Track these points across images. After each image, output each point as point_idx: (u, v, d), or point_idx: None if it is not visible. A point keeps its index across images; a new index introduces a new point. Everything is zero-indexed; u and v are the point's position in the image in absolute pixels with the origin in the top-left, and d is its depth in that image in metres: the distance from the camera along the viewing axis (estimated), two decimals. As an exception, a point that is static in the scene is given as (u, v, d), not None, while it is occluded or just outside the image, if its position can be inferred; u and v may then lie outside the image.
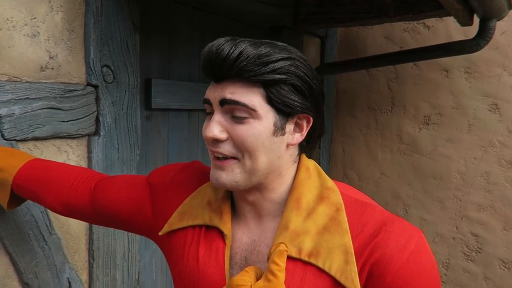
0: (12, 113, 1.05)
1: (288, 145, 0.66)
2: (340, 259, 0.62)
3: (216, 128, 0.63)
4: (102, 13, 1.25)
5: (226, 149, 0.64)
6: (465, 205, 2.26)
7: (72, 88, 1.20)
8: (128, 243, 1.43)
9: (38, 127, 1.11)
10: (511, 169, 2.13)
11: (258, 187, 0.68)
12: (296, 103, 0.63)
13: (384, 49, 2.44)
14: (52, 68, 1.16)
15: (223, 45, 0.60)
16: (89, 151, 1.28)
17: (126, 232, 1.41)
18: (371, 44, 2.53)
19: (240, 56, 0.59)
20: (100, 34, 1.25)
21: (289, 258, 0.63)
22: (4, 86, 1.03)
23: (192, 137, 1.79)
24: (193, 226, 0.74)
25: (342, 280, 0.61)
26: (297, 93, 0.63)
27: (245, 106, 0.61)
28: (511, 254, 2.14)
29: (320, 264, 0.62)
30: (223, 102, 0.62)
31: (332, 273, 0.61)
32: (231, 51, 0.59)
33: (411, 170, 2.43)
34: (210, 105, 0.65)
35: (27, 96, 1.08)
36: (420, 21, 2.33)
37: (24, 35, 1.08)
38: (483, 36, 1.79)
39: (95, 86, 1.26)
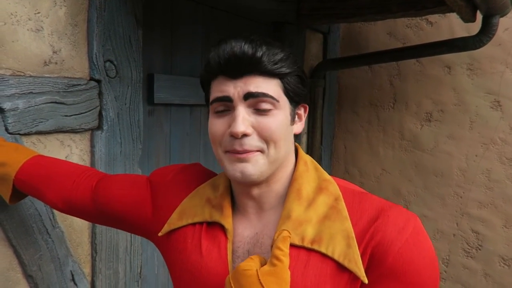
0: (16, 107, 1.06)
1: (293, 134, 0.72)
2: (342, 244, 0.64)
3: (243, 123, 0.64)
4: (105, 7, 1.25)
5: (252, 144, 0.65)
6: (466, 202, 2.27)
7: (75, 83, 1.20)
8: (131, 237, 1.44)
9: (41, 121, 1.12)
10: (512, 166, 2.14)
11: (267, 179, 0.70)
12: (303, 92, 0.70)
13: (386, 45, 2.43)
14: (56, 63, 1.16)
15: (245, 43, 0.64)
16: (92, 146, 1.29)
17: (128, 226, 1.42)
18: (374, 40, 2.53)
19: (264, 54, 0.64)
20: (103, 29, 1.25)
21: (293, 246, 0.65)
22: (8, 80, 1.04)
23: (194, 132, 1.80)
24: (193, 224, 0.75)
25: (346, 263, 0.63)
26: (302, 83, 0.70)
27: (271, 98, 0.65)
28: (511, 251, 2.14)
29: (323, 250, 0.64)
30: (248, 96, 0.64)
31: (336, 257, 0.63)
32: (256, 48, 0.64)
33: (412, 167, 2.44)
34: (228, 101, 0.66)
35: (30, 91, 1.09)
36: (423, 17, 2.32)
37: (28, 29, 1.09)
38: (486, 32, 1.78)
39: (98, 81, 1.27)
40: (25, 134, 1.10)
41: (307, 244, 0.65)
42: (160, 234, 0.77)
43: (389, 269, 0.62)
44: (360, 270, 0.62)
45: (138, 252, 1.48)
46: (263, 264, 0.63)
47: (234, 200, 0.75)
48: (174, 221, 0.76)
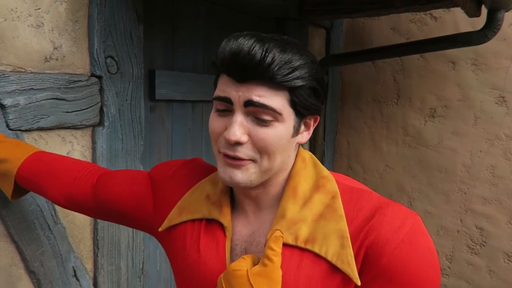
0: (17, 104, 1.06)
1: (296, 143, 0.68)
2: (336, 244, 0.62)
3: (239, 131, 0.61)
4: (106, 3, 1.25)
5: (245, 152, 0.63)
6: (470, 198, 2.25)
7: (76, 79, 1.20)
8: (132, 233, 1.45)
9: (43, 118, 1.12)
10: (517, 163, 2.12)
11: (263, 183, 0.68)
12: (314, 106, 0.65)
13: (390, 41, 2.41)
14: (57, 59, 1.16)
15: (254, 46, 0.58)
16: (94, 142, 1.29)
17: (130, 222, 1.42)
18: (377, 35, 2.51)
19: (274, 61, 0.58)
20: (104, 25, 1.25)
21: (286, 245, 0.64)
22: (9, 76, 1.04)
23: (196, 128, 1.80)
24: (193, 220, 0.74)
25: (339, 264, 0.61)
26: (315, 96, 0.64)
27: (273, 110, 0.60)
28: (516, 247, 2.13)
29: (316, 250, 0.63)
30: (249, 103, 0.60)
31: (329, 257, 0.62)
32: (265, 55, 0.58)
33: (416, 163, 2.42)
34: (228, 103, 0.63)
35: (31, 87, 1.09)
36: (427, 12, 2.29)
37: (28, 25, 1.09)
38: (491, 27, 1.76)
39: (99, 77, 1.27)
40: (26, 131, 1.10)
41: (300, 243, 0.63)
42: (160, 229, 0.77)
43: (383, 270, 0.59)
44: (353, 272, 0.60)
45: (140, 248, 1.48)
46: (255, 263, 0.63)
47: (233, 197, 0.75)
48: (174, 217, 0.76)
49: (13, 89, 1.05)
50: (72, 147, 1.24)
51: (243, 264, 0.61)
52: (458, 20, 2.22)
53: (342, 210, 0.64)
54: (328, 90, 2.55)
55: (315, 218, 0.65)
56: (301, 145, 0.72)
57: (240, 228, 0.71)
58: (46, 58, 1.14)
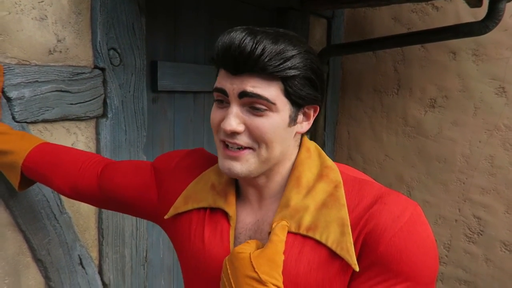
0: (22, 96, 1.07)
1: (296, 133, 0.70)
2: (337, 231, 0.64)
3: (234, 121, 0.64)
4: (108, -5, 1.25)
5: (243, 140, 0.65)
6: (469, 188, 2.28)
7: (80, 71, 1.21)
8: (136, 222, 1.47)
9: (47, 110, 1.14)
10: (515, 153, 2.14)
11: (266, 173, 0.70)
12: (310, 95, 0.66)
13: (391, 31, 2.41)
14: (60, 51, 1.17)
15: (244, 39, 0.60)
16: (97, 133, 1.31)
17: (134, 212, 1.45)
18: (379, 25, 2.50)
19: (264, 53, 0.60)
20: (106, 17, 1.25)
21: (289, 232, 0.67)
22: (14, 69, 1.05)
23: (198, 119, 1.81)
24: (198, 209, 0.76)
25: (338, 251, 0.63)
26: (310, 85, 0.66)
27: (266, 100, 0.62)
28: (513, 236, 2.16)
29: (317, 237, 0.65)
30: (243, 94, 0.63)
31: (329, 244, 0.64)
32: (255, 46, 0.60)
33: (415, 153, 2.44)
34: (224, 95, 0.65)
35: (36, 79, 1.10)
36: (429, 2, 2.28)
37: (32, 18, 1.09)
38: (492, 18, 1.76)
39: (102, 69, 1.28)
40: (31, 123, 1.11)
41: (302, 231, 0.66)
42: (166, 217, 0.79)
43: (380, 257, 0.61)
44: (351, 258, 0.62)
45: (144, 236, 1.51)
46: (259, 248, 0.65)
47: (238, 186, 0.77)
48: (179, 205, 0.78)
49: (18, 81, 1.06)
50: (77, 138, 1.26)
51: (247, 248, 0.64)
52: (460, 10, 2.21)
53: (344, 199, 0.66)
54: (329, 80, 2.55)
55: (318, 207, 0.67)
56: (304, 135, 0.74)
57: (244, 217, 0.73)
58: (50, 51, 1.15)
